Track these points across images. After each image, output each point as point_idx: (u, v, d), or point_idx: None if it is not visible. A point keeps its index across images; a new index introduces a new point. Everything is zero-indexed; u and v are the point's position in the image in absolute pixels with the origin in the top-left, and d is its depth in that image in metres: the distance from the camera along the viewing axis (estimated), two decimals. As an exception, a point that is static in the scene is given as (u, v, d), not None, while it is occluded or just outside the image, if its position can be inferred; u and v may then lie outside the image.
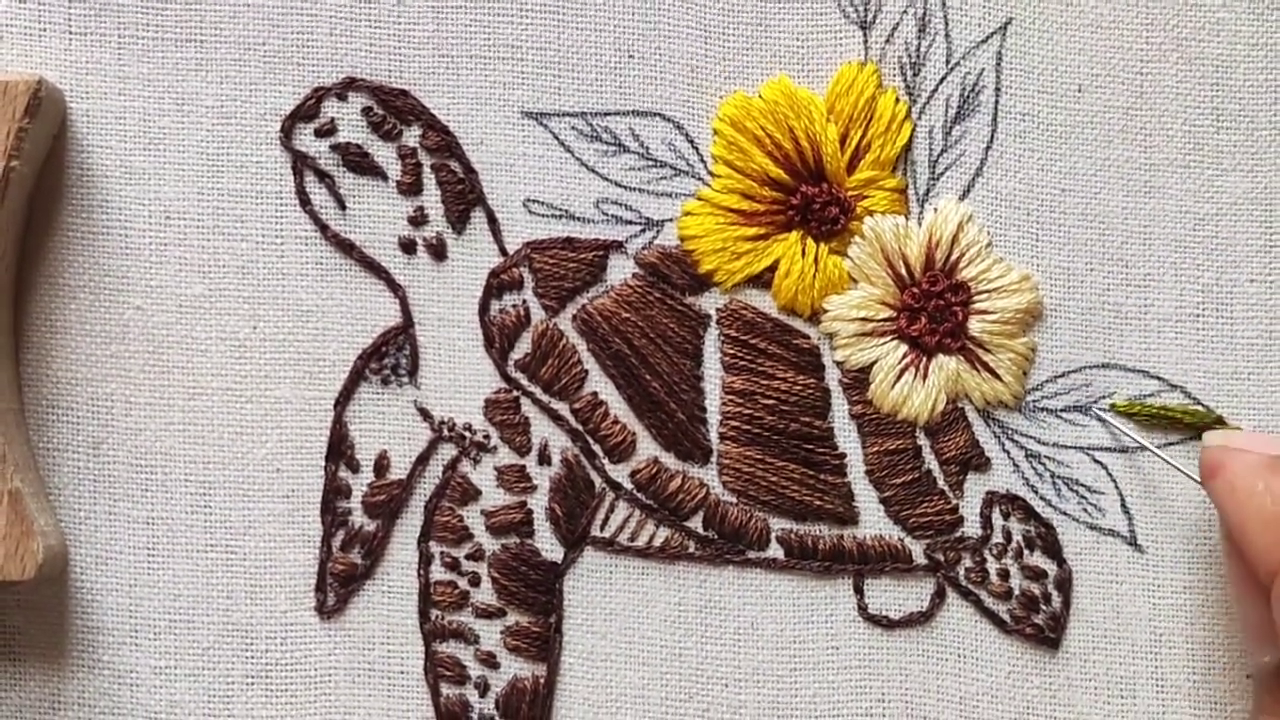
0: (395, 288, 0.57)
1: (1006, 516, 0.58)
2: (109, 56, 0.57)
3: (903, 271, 0.57)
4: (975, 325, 0.57)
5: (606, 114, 0.57)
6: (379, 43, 0.57)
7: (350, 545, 0.57)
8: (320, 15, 0.57)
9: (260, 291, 0.57)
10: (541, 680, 0.57)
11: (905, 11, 0.57)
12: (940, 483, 0.58)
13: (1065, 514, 0.57)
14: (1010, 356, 0.57)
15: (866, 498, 0.58)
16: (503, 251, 0.57)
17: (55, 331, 0.57)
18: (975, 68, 0.57)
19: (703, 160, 0.57)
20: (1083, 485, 0.57)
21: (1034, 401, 0.58)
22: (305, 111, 0.57)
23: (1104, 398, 0.58)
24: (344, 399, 0.57)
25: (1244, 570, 0.52)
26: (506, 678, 0.57)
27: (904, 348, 0.57)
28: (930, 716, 0.57)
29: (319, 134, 0.57)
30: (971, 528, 0.58)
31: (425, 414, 0.57)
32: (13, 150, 0.54)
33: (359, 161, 0.57)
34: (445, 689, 0.57)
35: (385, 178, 0.57)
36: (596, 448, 0.57)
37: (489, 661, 0.57)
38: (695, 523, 0.57)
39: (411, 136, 0.57)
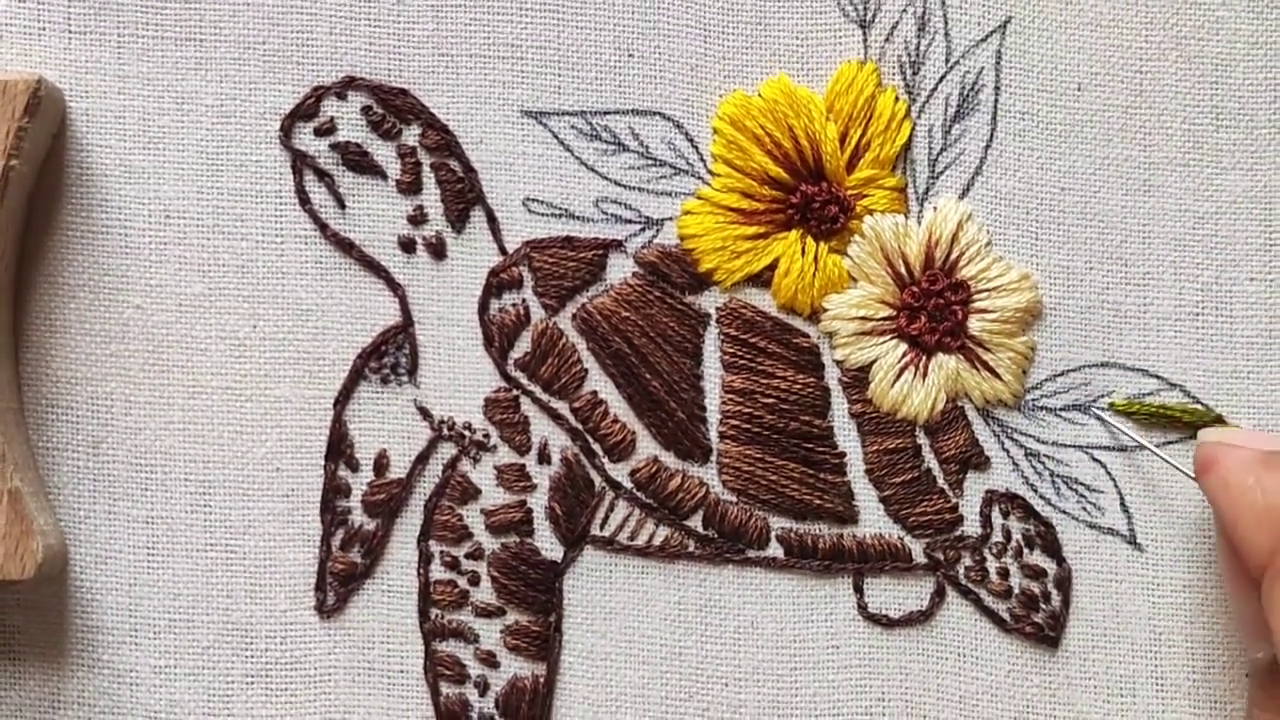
0: (395, 287, 0.57)
1: (1006, 515, 0.58)
2: (108, 55, 0.57)
3: (902, 270, 0.57)
4: (975, 324, 0.57)
5: (606, 113, 0.57)
6: (378, 42, 0.57)
7: (350, 544, 0.57)
8: (320, 14, 0.57)
9: (260, 290, 0.57)
10: (541, 679, 0.57)
11: (905, 10, 0.57)
12: (940, 481, 0.58)
13: (1065, 513, 0.57)
14: (1010, 355, 0.57)
15: (866, 497, 0.58)
16: (502, 250, 0.57)
17: (55, 330, 0.57)
18: (975, 66, 0.57)
19: (702, 159, 0.57)
20: (1082, 484, 0.57)
21: (1033, 400, 0.58)
22: (305, 110, 0.57)
23: (1103, 396, 0.58)
24: (344, 398, 0.57)
25: (1237, 566, 0.52)
26: (506, 677, 0.57)
27: (903, 346, 0.57)
28: (930, 715, 0.57)
29: (318, 133, 0.57)
30: (971, 526, 0.58)
31: (425, 413, 0.57)
32: (12, 149, 0.54)
33: (358, 160, 0.57)
34: (445, 688, 0.57)
35: (385, 177, 0.57)
36: (596, 447, 0.57)
37: (489, 660, 0.57)
38: (695, 522, 0.57)
39: (411, 135, 0.57)
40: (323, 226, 0.57)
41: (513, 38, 0.57)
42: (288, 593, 0.57)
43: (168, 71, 0.57)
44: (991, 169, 0.57)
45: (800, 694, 0.57)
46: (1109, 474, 0.57)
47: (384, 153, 0.57)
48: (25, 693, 0.57)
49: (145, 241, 0.57)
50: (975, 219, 0.57)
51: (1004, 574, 0.57)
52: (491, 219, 0.57)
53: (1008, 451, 0.58)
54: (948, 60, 0.57)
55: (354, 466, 0.57)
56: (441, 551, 0.57)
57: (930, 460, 0.58)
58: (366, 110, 0.57)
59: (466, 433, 0.57)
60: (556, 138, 0.57)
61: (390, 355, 0.57)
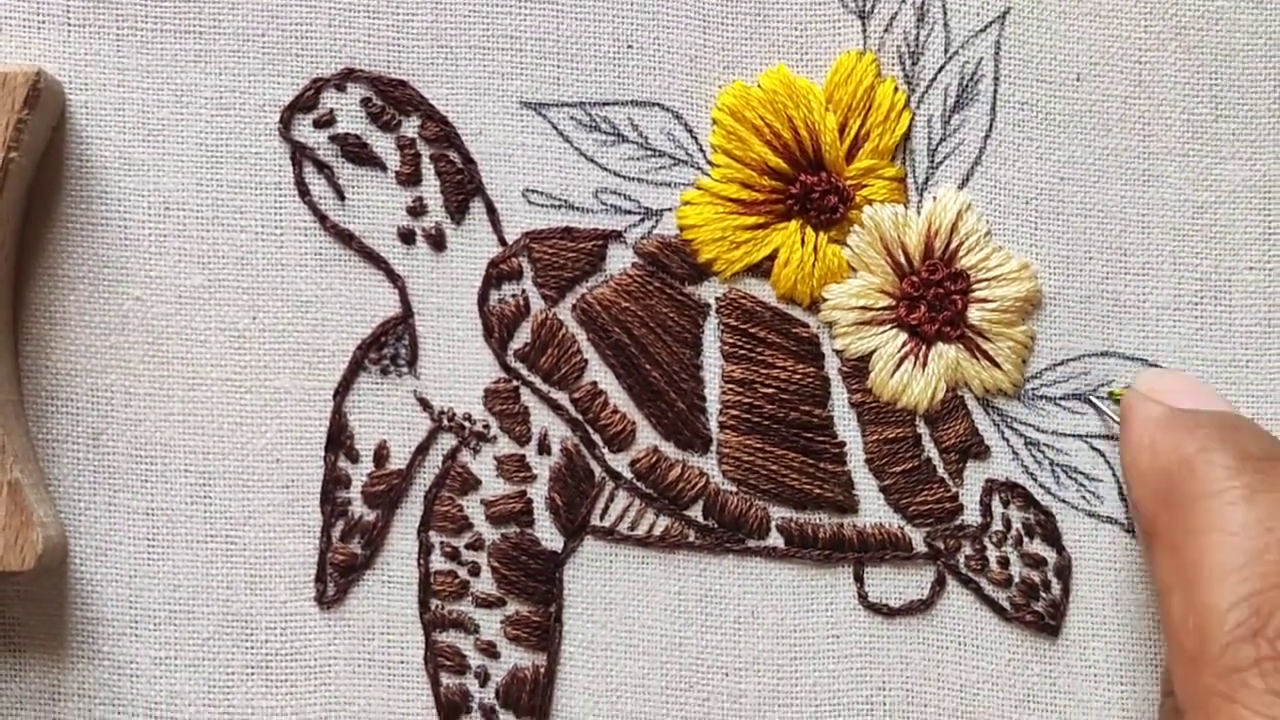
0: (394, 278, 0.57)
1: (1006, 504, 0.58)
2: (108, 48, 0.57)
3: (902, 260, 0.57)
4: (974, 313, 0.57)
5: (605, 104, 0.57)
6: (377, 33, 0.57)
7: (350, 535, 0.57)
8: (319, 6, 0.57)
9: (259, 282, 0.57)
10: (542, 669, 0.57)
11: (904, 1, 0.57)
12: (940, 471, 0.58)
13: (1064, 501, 0.58)
14: (1009, 345, 0.57)
15: (866, 486, 0.58)
16: (502, 241, 0.57)
17: (55, 323, 0.57)
18: (974, 56, 0.57)
19: (702, 150, 0.57)
20: (1081, 473, 0.58)
21: (1033, 389, 0.58)
22: (304, 102, 0.57)
23: (1103, 385, 0.58)
24: (343, 389, 0.57)
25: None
26: (507, 667, 0.57)
27: (903, 336, 0.57)
28: (931, 704, 0.57)
29: (318, 125, 0.57)
30: (971, 515, 0.58)
31: (425, 404, 0.57)
32: (12, 142, 0.54)
33: (358, 152, 0.57)
34: (445, 678, 0.57)
35: (384, 168, 0.57)
36: (596, 437, 0.57)
37: (489, 651, 0.57)
38: (695, 512, 0.57)
39: (410, 127, 0.57)
40: (322, 218, 0.57)
41: (512, 29, 0.57)
42: (288, 584, 0.57)
43: (167, 64, 0.57)
44: (991, 159, 0.57)
45: (801, 683, 0.57)
46: (1108, 463, 0.57)
47: (383, 144, 0.57)
48: (26, 684, 0.57)
49: (145, 233, 0.57)
50: (975, 209, 0.57)
51: (1004, 563, 0.57)
52: (491, 210, 0.57)
53: (1007, 441, 0.58)
54: (947, 50, 0.57)
55: (354, 457, 0.57)
56: (442, 542, 0.57)
57: (930, 449, 0.58)
58: (366, 102, 0.57)
59: (466, 423, 0.57)
60: (556, 129, 0.57)
61: (390, 346, 0.57)
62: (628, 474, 0.57)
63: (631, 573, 0.57)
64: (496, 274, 0.57)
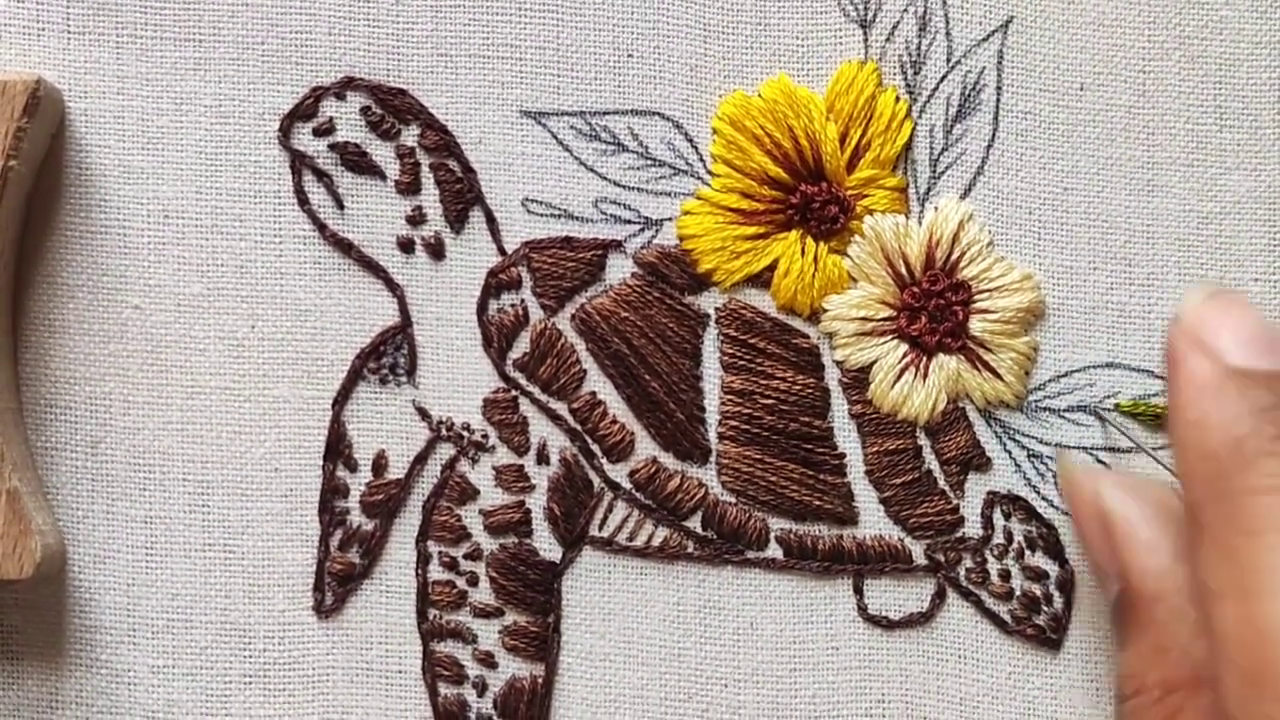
0: (393, 287, 0.57)
1: (1008, 517, 0.57)
2: (107, 56, 0.57)
3: (903, 270, 0.57)
4: (976, 324, 0.57)
5: (605, 113, 0.57)
6: (377, 42, 0.57)
7: (348, 545, 0.57)
8: (318, 14, 0.57)
9: (258, 291, 0.57)
10: (540, 680, 0.57)
11: (906, 10, 0.57)
12: (941, 483, 0.57)
13: (1067, 514, 0.57)
14: (1012, 356, 0.57)
15: (866, 498, 0.57)
16: (501, 251, 0.57)
17: (53, 331, 0.57)
18: (976, 66, 0.57)
19: (702, 159, 0.57)
20: (1085, 486, 0.57)
21: (1036, 401, 0.57)
22: (303, 111, 0.57)
23: (1108, 397, 0.57)
24: (342, 398, 0.57)
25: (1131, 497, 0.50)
26: (505, 677, 0.57)
27: (904, 347, 0.57)
28: (930, 717, 0.57)
29: (317, 133, 0.57)
30: (972, 528, 0.57)
31: (423, 413, 0.57)
32: (11, 150, 0.54)
33: (357, 161, 0.57)
34: (443, 688, 0.57)
35: (383, 177, 0.57)
36: (595, 447, 0.57)
37: (487, 661, 0.57)
38: (694, 522, 0.57)
39: (410, 136, 0.57)
40: (321, 227, 0.57)
41: (512, 38, 0.57)
42: (286, 593, 0.57)
43: (166, 72, 0.57)
44: (993, 169, 0.57)
45: (800, 695, 0.57)
46: (1112, 476, 0.57)
47: (383, 153, 0.57)
48: (23, 692, 0.57)
49: (144, 242, 0.57)
50: (977, 219, 0.57)
51: (1005, 576, 0.57)
52: (490, 219, 0.57)
53: (1009, 453, 0.57)
54: (949, 60, 0.57)
55: (352, 467, 0.57)
56: (440, 552, 0.57)
57: (931, 461, 0.57)
58: (365, 110, 0.57)
59: (465, 433, 0.57)
60: (555, 138, 0.57)
61: (389, 355, 0.57)
62: (626, 484, 0.57)
63: (630, 583, 0.57)
64: (496, 283, 0.57)
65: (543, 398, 0.57)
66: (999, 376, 0.57)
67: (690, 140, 0.57)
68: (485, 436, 0.57)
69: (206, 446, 0.57)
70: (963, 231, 0.57)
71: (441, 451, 0.57)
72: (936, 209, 0.57)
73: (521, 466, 0.57)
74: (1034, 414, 0.57)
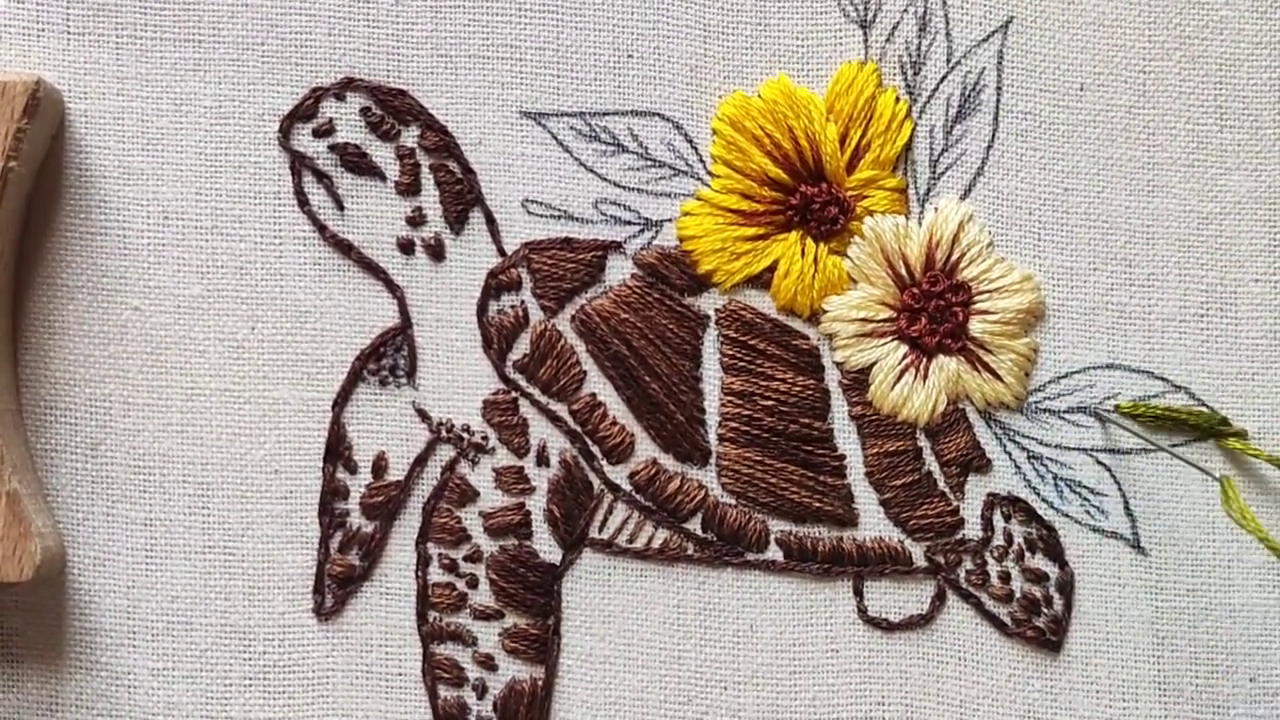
0: (393, 288, 0.57)
1: (1008, 518, 0.57)
2: (107, 57, 0.57)
3: (903, 272, 0.57)
4: (976, 326, 0.57)
5: (605, 114, 0.57)
6: (377, 43, 0.57)
7: (348, 547, 0.57)
8: (318, 15, 0.57)
9: (258, 292, 0.57)
10: (540, 682, 0.57)
11: (906, 10, 0.57)
12: (941, 484, 0.57)
13: (1067, 516, 0.57)
14: (1012, 357, 0.57)
15: (866, 499, 0.57)
16: (501, 252, 0.57)
17: (53, 332, 0.57)
18: (976, 66, 0.57)
19: (702, 160, 0.57)
20: (1085, 487, 0.57)
21: (1036, 403, 0.57)
22: (303, 112, 0.57)
23: (1108, 399, 0.57)
24: (342, 400, 0.57)
25: None
26: (504, 680, 0.57)
27: (904, 348, 0.57)
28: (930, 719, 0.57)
29: (317, 134, 0.57)
30: (972, 530, 0.57)
31: (423, 415, 0.57)
32: (11, 151, 0.54)
33: (357, 162, 0.57)
34: (443, 691, 0.57)
35: (383, 178, 0.57)
36: (595, 449, 0.57)
37: (487, 663, 0.57)
38: (694, 524, 0.57)
39: (410, 137, 0.57)
40: (321, 228, 0.57)
41: (511, 39, 0.57)
42: (286, 595, 0.57)
43: (166, 73, 0.57)
44: (993, 170, 0.57)
45: (799, 698, 0.57)
46: (1113, 477, 0.57)
47: (383, 154, 0.57)
48: (24, 695, 0.57)
49: (144, 243, 0.57)
50: (977, 220, 0.57)
51: (1005, 578, 0.57)
52: (490, 220, 0.57)
53: (1010, 454, 0.57)
54: (949, 60, 0.57)
55: (352, 468, 0.57)
56: (440, 554, 0.57)
57: (931, 463, 0.57)
58: (365, 111, 0.57)
59: (465, 435, 0.57)
60: (555, 139, 0.57)
61: (389, 357, 0.57)
62: (626, 486, 0.57)
63: (630, 585, 0.57)
64: (495, 285, 0.57)
65: (543, 399, 0.57)
66: (999, 378, 0.57)
67: (690, 141, 0.57)
68: (485, 438, 0.57)
69: (206, 448, 0.57)
70: (963, 232, 0.57)
71: (441, 453, 0.57)
72: (936, 210, 0.57)
73: (521, 468, 0.57)
74: (1034, 415, 0.57)
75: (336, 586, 0.57)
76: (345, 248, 0.57)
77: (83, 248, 0.57)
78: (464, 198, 0.57)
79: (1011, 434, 0.57)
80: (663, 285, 0.57)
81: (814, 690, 0.57)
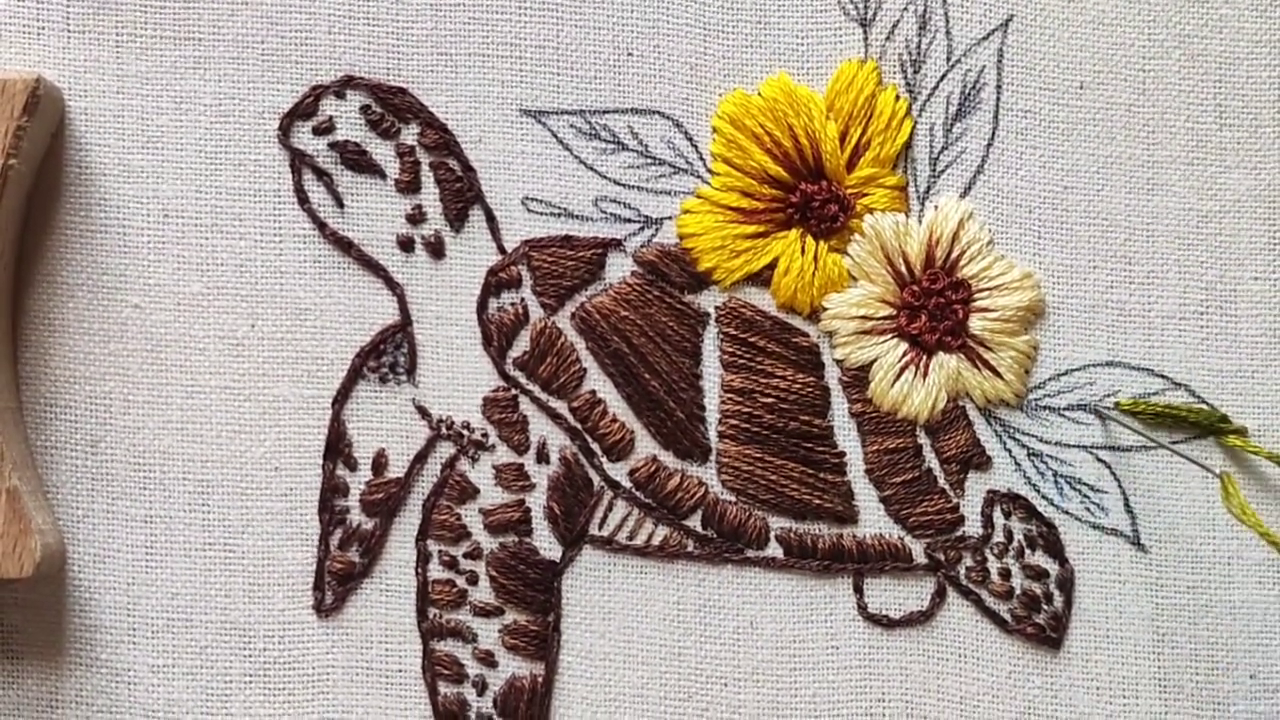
0: (393, 286, 0.57)
1: (1008, 515, 0.57)
2: (107, 55, 0.57)
3: (903, 269, 0.57)
4: (976, 323, 0.57)
5: (605, 112, 0.57)
6: (377, 41, 0.57)
7: (348, 544, 0.57)
8: (318, 13, 0.57)
9: (258, 290, 0.57)
10: (540, 679, 0.57)
11: (906, 8, 0.57)
12: (941, 481, 0.57)
13: (1067, 513, 0.57)
14: (1012, 354, 0.57)
15: (866, 496, 0.57)
16: (501, 249, 0.57)
17: (53, 330, 0.57)
18: (976, 65, 0.57)
19: (702, 158, 0.57)
20: (1085, 484, 0.57)
21: (1036, 400, 0.57)
22: (303, 109, 0.57)
23: (1108, 396, 0.57)
24: (342, 397, 0.57)
25: None
26: (505, 676, 0.57)
27: (904, 346, 0.57)
28: (930, 716, 0.57)
29: (317, 132, 0.57)
30: (972, 527, 0.57)
31: (423, 412, 0.57)
32: (11, 149, 0.54)
33: (357, 159, 0.57)
34: (443, 687, 0.57)
35: (383, 176, 0.57)
36: (595, 446, 0.57)
37: (487, 660, 0.57)
38: (694, 521, 0.57)
39: (410, 134, 0.57)
40: (321, 225, 0.57)
41: (511, 36, 0.57)
42: (286, 592, 0.57)
43: (166, 70, 0.57)
44: (993, 167, 0.57)
45: (800, 695, 0.57)
46: (1113, 474, 0.57)
47: (382, 152, 0.57)
48: (23, 691, 0.57)
49: (144, 240, 0.57)
50: (977, 218, 0.57)
51: (1005, 575, 0.57)
52: (490, 218, 0.57)
53: (1010, 451, 0.57)
54: (949, 58, 0.57)
55: (352, 466, 0.57)
56: (440, 551, 0.57)
57: (931, 460, 0.57)
58: (365, 109, 0.57)
59: (465, 432, 0.57)
60: (555, 137, 0.57)
61: (389, 354, 0.57)
62: (626, 483, 0.57)
63: (630, 582, 0.57)
64: (495, 282, 0.57)
65: (543, 396, 0.57)
66: (999, 375, 0.57)
67: (690, 139, 0.57)
68: (485, 435, 0.57)
69: (206, 445, 0.57)
70: (963, 230, 0.57)
71: (441, 450, 0.57)
72: (936, 207, 0.57)
73: (521, 465, 0.57)
74: (1034, 412, 0.57)
75: (336, 583, 0.57)
76: (345, 245, 0.57)
77: (83, 245, 0.57)
78: (464, 195, 0.57)
79: (1011, 431, 0.57)
80: (663, 283, 0.57)
81: (814, 687, 0.57)
